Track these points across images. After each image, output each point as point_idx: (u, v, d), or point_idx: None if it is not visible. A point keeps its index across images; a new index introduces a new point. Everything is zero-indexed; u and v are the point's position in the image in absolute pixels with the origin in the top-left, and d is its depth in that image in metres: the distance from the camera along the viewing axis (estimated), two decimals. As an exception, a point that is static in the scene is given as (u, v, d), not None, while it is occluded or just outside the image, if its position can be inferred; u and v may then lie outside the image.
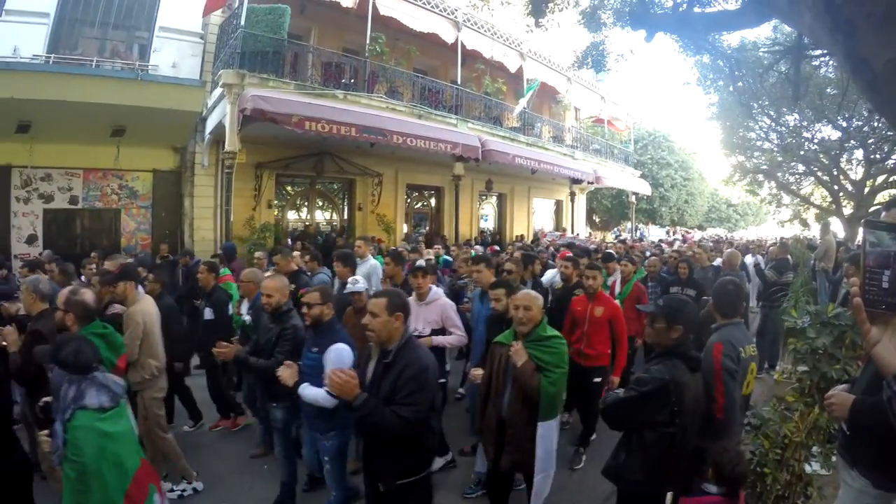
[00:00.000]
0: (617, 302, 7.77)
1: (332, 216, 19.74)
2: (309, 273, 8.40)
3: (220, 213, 14.90)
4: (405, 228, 20.48)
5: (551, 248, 14.40)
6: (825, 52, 10.32)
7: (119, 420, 3.44)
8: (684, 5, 9.89)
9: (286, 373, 4.40)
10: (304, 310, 4.67)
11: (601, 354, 6.46)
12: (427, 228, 22.15)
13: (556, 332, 4.50)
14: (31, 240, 13.74)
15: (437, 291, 6.24)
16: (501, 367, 4.40)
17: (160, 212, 15.53)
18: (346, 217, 19.41)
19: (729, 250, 10.80)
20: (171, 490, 5.38)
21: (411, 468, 3.53)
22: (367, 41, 14.58)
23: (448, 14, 16.38)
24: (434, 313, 6.05)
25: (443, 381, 5.91)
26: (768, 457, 3.94)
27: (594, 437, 6.98)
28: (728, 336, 3.98)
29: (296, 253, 9.89)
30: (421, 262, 7.40)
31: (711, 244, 18.32)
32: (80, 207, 14.53)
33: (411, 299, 5.76)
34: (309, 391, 4.37)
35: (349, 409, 3.39)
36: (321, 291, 4.78)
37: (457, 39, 16.58)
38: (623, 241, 19.11)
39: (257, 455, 6.45)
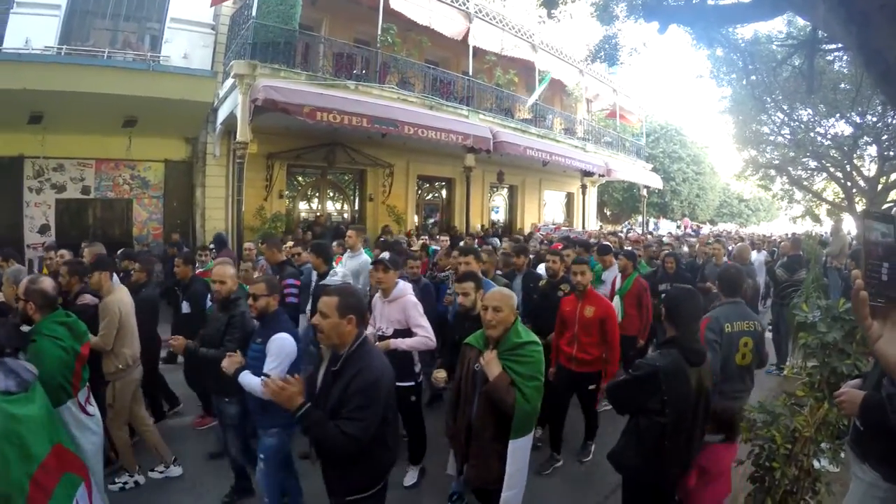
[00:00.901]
0: (615, 299, 7.70)
1: (342, 207, 19.75)
2: (297, 265, 8.10)
3: (231, 203, 14.96)
4: (416, 219, 20.49)
5: (545, 242, 13.80)
6: (839, 45, 10.24)
7: (28, 405, 3.27)
8: (698, -3, 9.83)
9: (227, 362, 4.25)
10: (250, 301, 4.52)
11: (595, 359, 5.90)
12: (437, 220, 22.15)
13: (533, 337, 3.91)
14: (43, 229, 13.83)
15: (404, 287, 5.62)
16: (470, 372, 3.90)
17: (172, 202, 15.60)
18: (356, 208, 19.44)
19: (740, 244, 10.73)
20: (114, 482, 5.39)
21: (361, 485, 3.31)
22: (379, 32, 14.55)
23: (459, 5, 16.33)
24: (397, 311, 5.47)
25: (410, 384, 5.44)
26: (778, 451, 3.92)
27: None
28: (718, 313, 4.79)
29: (290, 243, 9.93)
30: (384, 256, 6.93)
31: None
32: (93, 197, 14.63)
33: (376, 296, 5.66)
34: (247, 378, 4.17)
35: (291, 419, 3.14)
36: (267, 282, 4.60)
37: (468, 30, 16.53)
38: (615, 234, 18.83)
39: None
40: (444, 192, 22.49)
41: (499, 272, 7.76)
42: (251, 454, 5.09)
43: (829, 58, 16.58)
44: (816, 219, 29.71)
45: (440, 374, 4.86)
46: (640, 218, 31.39)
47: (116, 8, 13.65)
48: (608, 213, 38.59)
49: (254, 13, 12.32)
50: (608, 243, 10.28)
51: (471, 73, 17.22)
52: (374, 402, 3.12)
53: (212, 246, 11.14)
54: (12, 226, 13.52)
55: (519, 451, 3.73)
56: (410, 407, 5.57)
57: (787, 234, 20.89)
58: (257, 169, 15.26)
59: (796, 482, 3.91)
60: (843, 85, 19.36)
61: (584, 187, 25.06)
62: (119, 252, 8.35)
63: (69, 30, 13.09)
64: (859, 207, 23.85)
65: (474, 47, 16.78)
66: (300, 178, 18.22)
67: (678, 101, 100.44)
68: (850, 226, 23.21)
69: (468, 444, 3.84)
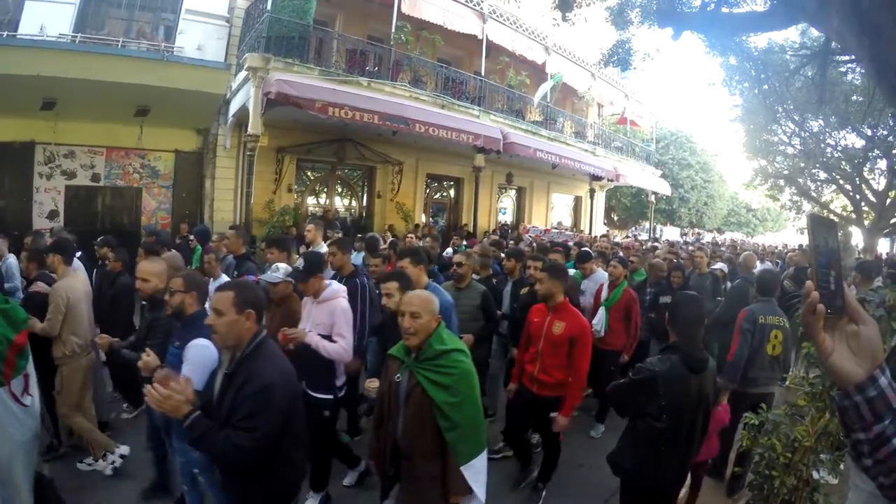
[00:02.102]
0: (600, 311, 7.11)
1: (351, 203, 19.79)
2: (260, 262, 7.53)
3: (240, 195, 14.97)
4: (423, 218, 20.50)
5: (534, 245, 12.79)
6: (852, 57, 10.24)
7: None
8: (712, 5, 9.84)
9: (143, 363, 3.82)
10: (166, 296, 4.19)
11: (558, 383, 5.06)
12: (445, 219, 22.15)
13: (459, 345, 3.48)
14: (52, 215, 13.89)
15: (335, 289, 5.08)
16: (393, 387, 3.44)
17: (181, 192, 15.65)
18: (364, 204, 19.46)
19: (745, 253, 10.67)
20: (89, 464, 5.41)
21: (262, 502, 3.04)
22: (393, 29, 14.60)
23: (474, 5, 16.34)
24: (325, 314, 4.93)
25: (326, 397, 4.90)
26: (778, 460, 3.93)
27: (601, 431, 7.10)
28: (755, 308, 5.65)
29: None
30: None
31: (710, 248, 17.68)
32: (102, 185, 14.68)
33: (306, 298, 5.11)
34: None
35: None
36: (186, 278, 4.22)
37: (482, 31, 16.54)
38: (606, 237, 18.57)
39: None
40: (452, 192, 22.46)
41: (475, 276, 7.04)
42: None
43: (842, 69, 16.53)
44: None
45: (371, 384, 4.46)
46: (647, 224, 31.35)
47: (132, -2, 13.72)
48: (616, 218, 38.53)
49: (269, 7, 12.38)
50: (588, 249, 9.44)
51: (483, 74, 17.23)
52: (267, 409, 2.81)
53: (191, 237, 11.06)
54: (21, 211, 13.58)
55: (473, 473, 3.32)
56: (321, 423, 4.90)
57: (798, 246, 20.78)
58: (267, 162, 15.29)
59: (795, 492, 3.92)
60: (854, 97, 19.32)
61: (592, 191, 25.03)
62: (99, 239, 8.23)
63: (84, 18, 13.14)
64: (867, 221, 23.80)
65: (487, 48, 16.79)
66: (309, 173, 18.23)
67: (689, 108, 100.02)
68: (857, 239, 23.19)
69: (396, 465, 3.43)
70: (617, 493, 4.03)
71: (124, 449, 5.53)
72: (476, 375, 3.47)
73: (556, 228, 20.72)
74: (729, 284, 9.21)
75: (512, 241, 13.45)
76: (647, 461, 3.58)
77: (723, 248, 17.69)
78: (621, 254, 10.49)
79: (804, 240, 29.11)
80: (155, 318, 4.52)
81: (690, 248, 13.29)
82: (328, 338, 4.77)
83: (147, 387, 2.78)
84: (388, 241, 10.63)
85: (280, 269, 5.38)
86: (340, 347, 4.78)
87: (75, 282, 5.57)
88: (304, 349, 4.70)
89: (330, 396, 4.91)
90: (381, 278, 5.20)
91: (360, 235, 12.05)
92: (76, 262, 6.09)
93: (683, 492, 5.15)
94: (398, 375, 3.40)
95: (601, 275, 7.87)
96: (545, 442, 5.45)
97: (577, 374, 5.00)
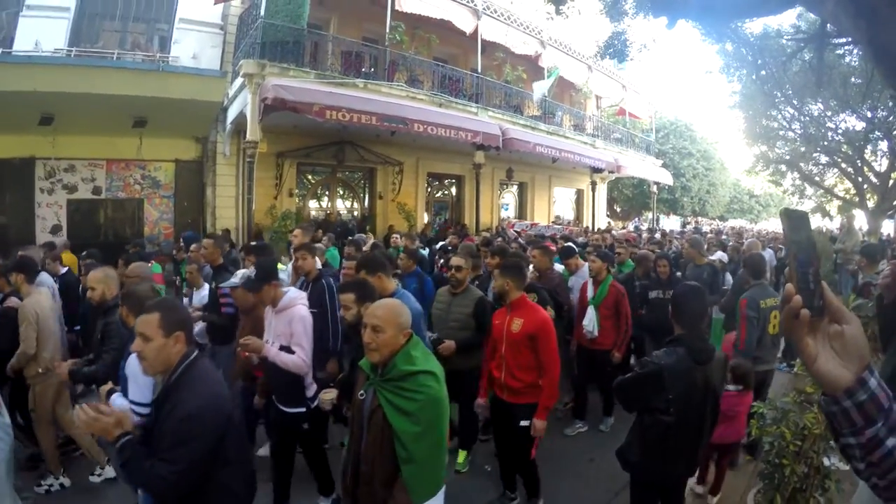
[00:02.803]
0: (589, 310, 6.78)
1: (352, 205, 19.81)
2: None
3: (241, 202, 15.01)
4: (426, 217, 20.51)
5: (520, 240, 12.47)
6: (849, 40, 10.20)
7: None
8: (706, -8, 9.81)
9: (102, 387, 3.70)
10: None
11: (527, 387, 4.68)
12: (448, 217, 22.14)
13: (430, 366, 3.07)
14: (55, 230, 13.93)
15: (292, 297, 4.78)
16: (357, 404, 3.15)
17: (182, 201, 15.68)
18: (366, 206, 19.47)
19: (750, 240, 10.64)
20: (39, 485, 5.32)
21: None
22: (387, 30, 14.57)
23: (467, 2, 16.32)
24: (283, 324, 4.65)
25: (299, 410, 4.65)
26: (788, 448, 3.92)
27: (610, 423, 6.97)
28: (752, 293, 5.81)
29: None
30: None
31: (708, 237, 17.22)
32: (104, 197, 14.74)
33: (267, 307, 4.85)
34: (119, 402, 3.52)
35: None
36: (126, 294, 4.11)
37: (476, 27, 16.52)
38: (605, 230, 17.96)
39: None
40: (453, 190, 22.49)
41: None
42: None
43: (840, 52, 16.47)
44: (827, 214, 29.55)
45: (326, 395, 4.24)
46: (650, 214, 31.30)
47: (125, 10, 13.74)
48: (618, 209, 38.52)
49: (262, 13, 12.34)
50: (572, 244, 8.96)
51: (479, 71, 17.20)
52: (189, 441, 2.59)
53: (181, 245, 11.03)
54: (24, 226, 13.62)
55: None
56: (303, 436, 4.79)
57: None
58: (267, 168, 15.30)
59: (806, 479, 3.91)
60: (853, 79, 19.25)
61: (593, 184, 24.99)
62: (83, 253, 8.19)
63: (78, 32, 13.19)
64: (871, 203, 23.73)
65: (483, 44, 16.77)
66: (310, 177, 18.26)
67: (688, 97, 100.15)
68: (861, 222, 23.12)
69: (356, 487, 3.09)
70: (627, 487, 4.01)
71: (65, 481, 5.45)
72: (445, 404, 3.07)
73: (543, 225, 19.51)
74: (728, 275, 9.11)
75: (500, 239, 13.15)
76: (655, 455, 3.56)
77: (724, 237, 17.45)
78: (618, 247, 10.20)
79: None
80: (107, 323, 4.50)
81: (683, 240, 12.71)
82: (289, 348, 4.55)
83: (76, 408, 2.66)
84: (370, 243, 10.25)
85: (237, 276, 5.25)
86: (298, 359, 4.53)
87: (41, 298, 5.53)
88: (267, 362, 4.61)
89: (302, 409, 4.66)
90: (340, 288, 4.90)
91: (324, 231, 12.19)
92: (42, 277, 6.07)
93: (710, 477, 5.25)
94: (362, 392, 3.11)
95: (587, 270, 7.35)
96: (518, 462, 4.96)
97: (548, 374, 4.63)
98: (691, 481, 5.16)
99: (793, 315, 1.14)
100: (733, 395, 4.82)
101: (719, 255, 10.10)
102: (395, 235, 12.55)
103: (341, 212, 19.29)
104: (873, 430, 1.10)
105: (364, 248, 8.79)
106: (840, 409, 1.12)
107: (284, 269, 6.52)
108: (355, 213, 19.45)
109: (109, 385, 3.76)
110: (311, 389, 4.72)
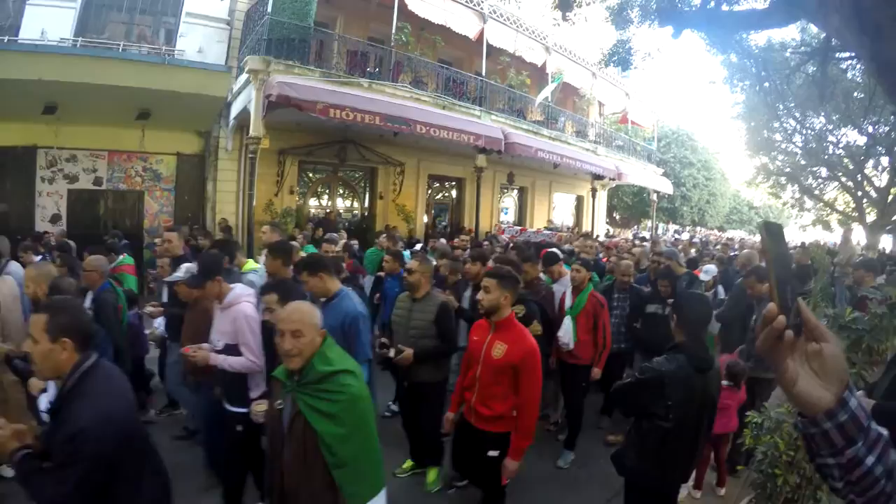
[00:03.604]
0: (566, 321, 6.29)
1: (353, 204, 19.81)
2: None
3: (242, 197, 15.04)
4: (426, 219, 20.54)
5: (510, 245, 11.78)
6: (852, 54, 10.24)
7: None
8: (713, 3, 9.84)
9: (32, 384, 3.62)
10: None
11: (499, 417, 4.06)
12: (448, 220, 22.16)
13: (348, 364, 2.99)
14: (55, 219, 13.92)
15: (237, 293, 4.53)
16: (275, 414, 3.03)
17: (183, 195, 15.68)
18: (367, 205, 19.48)
19: (746, 251, 10.59)
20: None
21: None
22: (393, 30, 14.59)
23: (474, 5, 16.34)
24: (227, 322, 4.43)
25: (241, 410, 4.34)
26: (781, 459, 3.94)
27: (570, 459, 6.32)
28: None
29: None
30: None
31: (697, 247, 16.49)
32: (105, 188, 14.73)
33: (215, 304, 4.61)
34: (45, 404, 3.36)
35: None
36: (47, 304, 3.61)
37: (482, 31, 16.55)
38: (588, 235, 17.09)
39: None
40: (454, 192, 22.48)
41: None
42: None
43: (843, 66, 16.51)
44: (828, 227, 29.61)
45: (259, 407, 4.02)
46: (649, 223, 31.33)
47: (132, 1, 13.73)
48: (618, 217, 38.53)
49: (269, 9, 12.36)
50: (555, 251, 8.19)
51: (484, 74, 17.23)
52: (78, 460, 2.35)
53: (157, 240, 10.87)
54: (24, 215, 13.62)
55: None
56: (234, 440, 4.45)
57: (800, 243, 20.59)
58: (269, 164, 15.31)
59: (798, 490, 3.92)
60: (856, 94, 19.30)
61: (594, 190, 25.00)
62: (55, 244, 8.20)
63: (85, 22, 13.17)
64: (870, 218, 23.77)
65: (488, 48, 16.80)
66: (311, 175, 18.27)
67: (690, 107, 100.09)
68: (859, 236, 23.17)
69: None
70: (621, 493, 4.03)
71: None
72: (369, 402, 3.01)
73: (532, 230, 18.63)
74: (720, 288, 8.79)
75: (486, 242, 12.89)
76: (651, 461, 3.59)
77: (713, 248, 17.17)
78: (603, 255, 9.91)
79: (806, 237, 29.12)
80: None
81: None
82: (235, 347, 4.33)
83: None
84: (342, 242, 10.18)
85: (181, 270, 5.13)
86: (245, 360, 4.31)
87: (4, 286, 5.47)
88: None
89: (244, 410, 4.30)
90: (261, 289, 4.62)
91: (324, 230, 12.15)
92: (12, 267, 6.08)
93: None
94: (279, 402, 2.97)
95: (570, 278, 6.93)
96: (487, 491, 4.36)
97: (526, 408, 4.01)
98: (690, 488, 5.22)
99: (775, 336, 1.08)
100: (725, 389, 4.84)
101: (709, 268, 9.02)
102: (379, 240, 11.76)
103: (341, 211, 19.29)
104: (853, 449, 1.07)
105: (336, 248, 8.75)
106: (820, 431, 1.08)
107: (257, 270, 6.44)
108: (355, 213, 19.44)
109: (42, 384, 3.64)
110: (258, 391, 4.41)
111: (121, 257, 8.17)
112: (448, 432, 4.65)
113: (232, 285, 4.61)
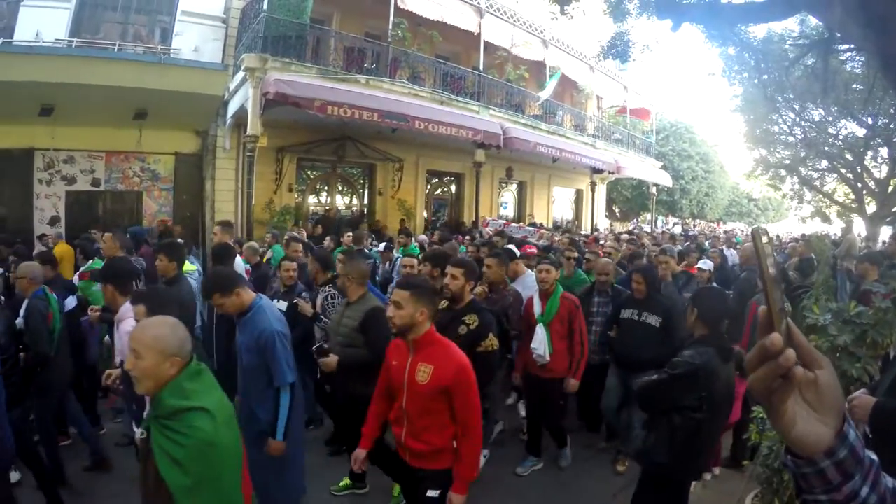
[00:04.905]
0: (538, 329, 5.54)
1: (352, 201, 19.76)
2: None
3: (241, 196, 14.99)
4: (425, 214, 20.56)
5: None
6: (852, 46, 10.20)
7: None
8: (712, -5, 9.81)
9: None
10: None
11: (440, 451, 3.38)
12: (447, 215, 22.14)
13: (204, 402, 2.45)
14: (53, 221, 13.88)
15: (125, 309, 4.19)
16: (141, 445, 2.58)
17: (182, 194, 15.63)
18: (366, 202, 19.44)
19: (746, 244, 10.53)
20: None
21: None
22: (390, 26, 14.55)
23: (470, 0, 16.29)
24: (119, 337, 4.24)
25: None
26: (787, 454, 3.91)
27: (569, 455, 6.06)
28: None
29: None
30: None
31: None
32: (103, 189, 14.70)
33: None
34: None
35: None
36: None
37: (479, 26, 16.50)
38: (568, 232, 16.00)
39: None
40: (453, 188, 22.45)
41: None
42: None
43: (842, 58, 16.48)
44: (827, 219, 29.60)
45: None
46: (648, 216, 31.31)
47: (127, 1, 13.70)
48: (617, 210, 38.50)
49: (265, 7, 12.33)
50: (512, 247, 7.83)
51: (482, 69, 17.19)
52: None
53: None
54: (22, 217, 13.58)
55: None
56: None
57: (801, 235, 20.44)
58: (267, 162, 15.25)
59: (804, 485, 3.91)
60: (855, 86, 19.26)
61: (593, 184, 24.99)
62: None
63: (80, 22, 13.13)
64: (870, 209, 23.75)
65: (485, 43, 16.75)
66: (310, 172, 18.22)
67: (689, 99, 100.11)
68: (860, 227, 23.14)
69: None
70: (627, 488, 4.02)
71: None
72: (225, 451, 2.46)
73: (515, 225, 17.21)
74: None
75: (468, 238, 12.50)
76: (684, 453, 3.63)
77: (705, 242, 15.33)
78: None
79: (806, 229, 29.09)
80: None
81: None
82: None
83: None
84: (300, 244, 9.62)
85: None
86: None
87: None
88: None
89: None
90: (132, 300, 4.16)
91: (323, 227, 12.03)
92: None
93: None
94: (141, 430, 2.54)
95: (531, 279, 6.36)
96: None
97: (467, 435, 3.33)
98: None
99: (780, 374, 0.90)
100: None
101: (703, 263, 8.52)
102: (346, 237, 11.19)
103: (340, 208, 19.25)
104: (850, 485, 0.93)
105: (295, 250, 8.36)
106: (815, 471, 0.93)
107: (193, 272, 6.29)
108: (354, 210, 19.41)
109: None
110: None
111: (89, 262, 7.59)
112: (361, 469, 3.88)
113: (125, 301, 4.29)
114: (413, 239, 11.46)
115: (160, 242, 7.82)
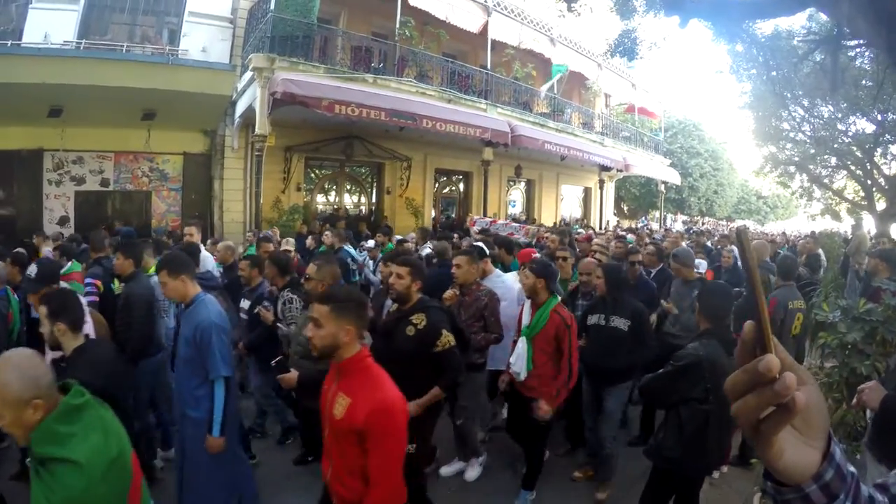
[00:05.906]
0: (520, 343, 4.86)
1: (360, 200, 19.81)
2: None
3: (249, 195, 15.03)
4: (433, 213, 20.57)
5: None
6: (861, 42, 10.13)
7: None
8: (719, -9, 9.76)
9: None
10: None
11: (361, 499, 2.64)
12: (455, 213, 22.11)
13: (77, 454, 2.07)
14: (62, 221, 13.98)
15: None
16: None
17: (190, 194, 15.70)
18: (374, 201, 19.50)
19: (756, 241, 10.46)
20: None
21: None
22: (397, 25, 14.55)
23: (478, -1, 16.29)
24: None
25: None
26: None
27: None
28: (780, 294, 5.93)
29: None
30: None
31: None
32: (112, 189, 14.80)
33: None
34: None
35: None
36: None
37: (486, 24, 16.49)
38: (562, 230, 13.87)
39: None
40: (461, 186, 22.44)
41: None
42: None
43: (852, 54, 16.38)
44: (837, 216, 29.47)
45: None
46: (657, 213, 31.22)
47: (135, 2, 13.72)
48: (625, 208, 38.41)
49: (272, 7, 12.35)
50: (481, 244, 7.18)
51: (489, 67, 17.16)
52: None
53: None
54: (32, 217, 13.68)
55: None
56: None
57: (810, 233, 20.35)
58: (275, 161, 15.28)
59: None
60: (864, 82, 19.15)
61: (601, 182, 24.90)
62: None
63: (88, 24, 13.18)
64: (880, 206, 23.63)
65: (492, 41, 16.73)
66: (318, 171, 18.26)
67: (697, 96, 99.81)
68: (869, 224, 23.03)
69: None
70: (637, 484, 4.01)
71: None
72: None
73: (503, 222, 16.16)
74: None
75: (455, 236, 11.78)
76: (693, 447, 3.64)
77: (708, 241, 14.62)
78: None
79: (815, 226, 28.95)
80: None
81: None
82: None
83: None
84: (287, 240, 9.74)
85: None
86: None
87: None
88: None
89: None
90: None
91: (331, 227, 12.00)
92: None
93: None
94: (29, 461, 2.20)
95: (500, 280, 5.99)
96: None
97: (376, 489, 2.59)
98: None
99: (776, 402, 0.79)
100: None
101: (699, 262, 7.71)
102: (326, 233, 10.80)
103: (349, 207, 19.29)
104: None
105: (286, 248, 8.47)
106: (800, 496, 0.84)
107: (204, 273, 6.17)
108: (362, 209, 19.43)
109: None
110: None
111: (69, 264, 6.95)
112: None
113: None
114: (391, 238, 11.13)
115: (120, 241, 7.42)
